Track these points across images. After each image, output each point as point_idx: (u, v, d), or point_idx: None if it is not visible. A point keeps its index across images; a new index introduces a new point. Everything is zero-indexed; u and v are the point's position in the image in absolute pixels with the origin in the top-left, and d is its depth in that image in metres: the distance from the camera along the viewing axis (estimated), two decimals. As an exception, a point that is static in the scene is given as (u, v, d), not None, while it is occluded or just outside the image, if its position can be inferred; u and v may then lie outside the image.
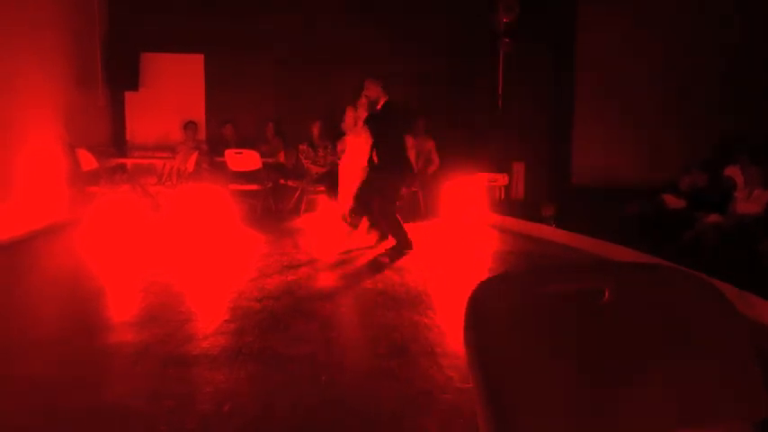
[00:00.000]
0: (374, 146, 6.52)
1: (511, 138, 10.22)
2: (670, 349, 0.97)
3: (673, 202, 6.92)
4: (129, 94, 10.25)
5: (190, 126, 9.70)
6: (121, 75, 9.78)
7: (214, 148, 9.69)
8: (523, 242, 7.57)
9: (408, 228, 6.71)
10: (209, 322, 4.15)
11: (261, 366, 3.38)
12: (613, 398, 0.92)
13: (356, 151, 6.96)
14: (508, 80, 10.20)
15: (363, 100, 6.59)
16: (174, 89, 10.38)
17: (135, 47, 9.87)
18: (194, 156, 8.95)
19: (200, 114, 10.34)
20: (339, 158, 9.52)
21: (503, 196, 9.99)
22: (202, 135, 10.16)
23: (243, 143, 9.48)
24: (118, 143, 10.13)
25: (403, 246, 6.52)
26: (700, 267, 4.06)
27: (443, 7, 10.27)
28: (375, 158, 6.50)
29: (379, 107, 6.48)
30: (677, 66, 9.20)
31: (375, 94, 6.47)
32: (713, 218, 6.19)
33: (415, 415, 2.80)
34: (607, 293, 0.97)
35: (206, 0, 10.05)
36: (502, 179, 9.91)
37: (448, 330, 4.03)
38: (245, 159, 8.83)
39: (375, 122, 6.49)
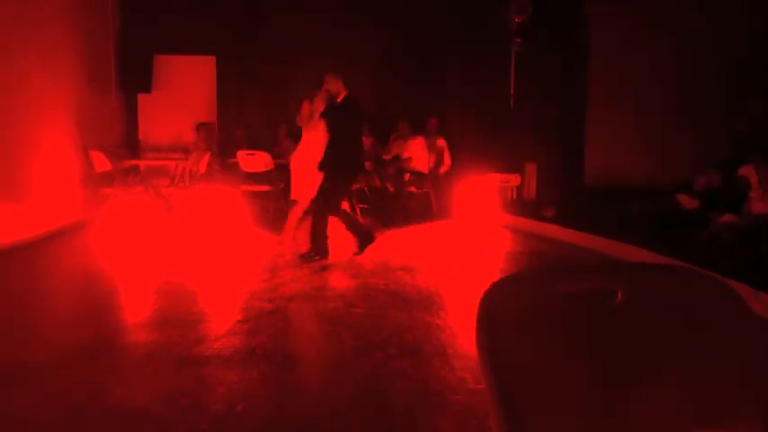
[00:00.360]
0: (329, 139, 6.34)
1: (523, 138, 10.19)
2: (685, 350, 0.96)
3: (687, 202, 6.87)
4: (141, 96, 10.33)
5: (202, 127, 9.75)
6: (134, 77, 9.86)
7: (226, 149, 9.73)
8: (535, 243, 7.54)
9: (420, 228, 6.69)
10: (221, 323, 4.16)
11: (273, 367, 3.39)
12: (627, 399, 0.91)
13: (310, 146, 6.64)
14: (520, 80, 10.17)
15: (323, 93, 6.39)
16: (186, 91, 10.44)
17: (148, 49, 9.94)
18: (206, 157, 8.99)
19: (212, 116, 10.40)
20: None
21: (515, 196, 9.96)
22: (215, 136, 10.21)
23: (255, 144, 9.51)
24: (131, 145, 10.20)
25: (317, 252, 6.18)
26: (714, 267, 4.02)
27: (456, 7, 10.25)
28: (329, 152, 6.30)
29: (338, 101, 6.31)
30: (690, 64, 9.13)
31: (336, 88, 6.30)
32: (728, 218, 6.14)
33: (428, 416, 2.80)
34: (620, 294, 0.96)
35: (218, 2, 10.10)
36: (514, 179, 9.88)
37: (460, 331, 4.02)
38: (256, 160, 8.86)
39: (334, 114, 6.32)
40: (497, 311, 0.94)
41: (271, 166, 8.94)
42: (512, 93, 10.24)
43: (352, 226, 6.53)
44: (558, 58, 9.78)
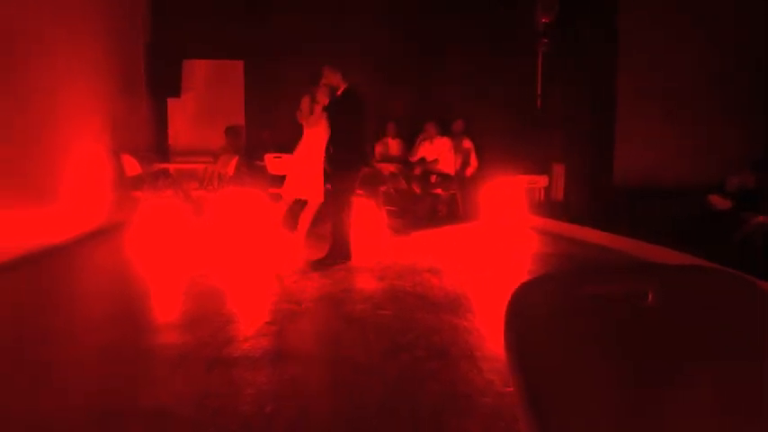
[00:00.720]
0: (332, 134, 6.22)
1: (551, 138, 10.11)
2: (716, 352, 0.95)
3: (719, 203, 6.76)
4: (171, 101, 10.46)
5: (230, 131, 9.85)
6: (164, 82, 10.00)
7: (254, 152, 9.81)
8: (564, 244, 7.48)
9: (447, 230, 6.65)
10: (250, 324, 4.20)
11: (301, 368, 3.41)
12: (657, 401, 0.90)
13: (312, 142, 6.54)
14: (547, 80, 10.09)
15: (323, 87, 6.21)
16: (215, 95, 10.56)
17: (177, 54, 10.07)
18: (234, 160, 9.08)
19: (240, 119, 10.50)
20: (377, 161, 9.56)
21: (542, 198, 9.89)
22: (243, 140, 10.31)
23: (282, 147, 9.57)
24: (161, 148, 10.34)
25: (341, 254, 6.09)
26: (747, 269, 3.95)
27: (482, 8, 10.22)
28: (331, 148, 6.17)
29: (338, 94, 6.14)
30: (725, 62, 8.96)
31: (335, 81, 6.11)
32: (761, 219, 6.03)
33: (455, 418, 2.79)
34: (650, 296, 0.96)
35: (245, 8, 10.20)
36: (542, 181, 9.81)
37: (488, 333, 4.00)
38: (284, 163, 8.91)
39: (335, 108, 6.17)
40: (526, 313, 0.94)
41: (298, 169, 8.98)
42: (539, 93, 10.17)
43: (340, 240, 6.15)
44: (587, 56, 9.68)
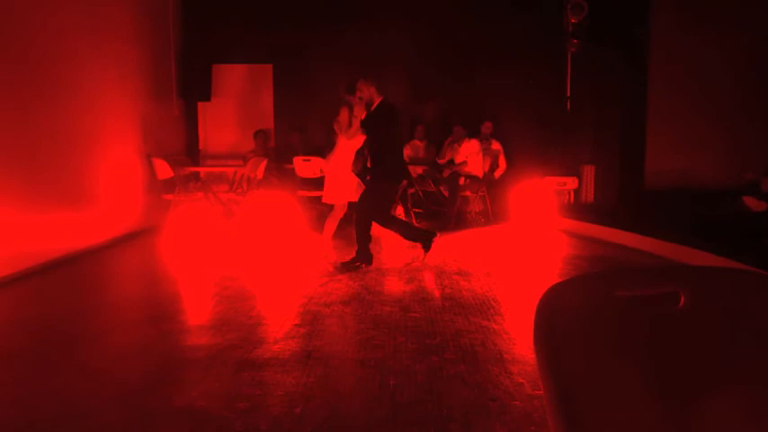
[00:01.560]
0: (370, 148, 6.28)
1: (580, 140, 10.02)
2: (752, 356, 0.93)
3: (753, 204, 6.64)
4: (201, 105, 10.60)
5: (259, 134, 9.95)
6: (194, 86, 10.13)
7: (282, 155, 9.89)
8: (594, 246, 7.40)
9: (476, 233, 6.63)
10: (279, 326, 4.23)
11: (330, 370, 3.42)
12: (689, 406, 0.89)
13: (348, 152, 6.60)
14: (577, 81, 10.01)
15: (359, 101, 6.26)
16: (244, 99, 10.67)
17: (207, 59, 10.20)
18: (264, 163, 9.16)
19: (269, 123, 10.59)
20: (406, 163, 9.56)
21: (572, 200, 9.80)
22: (272, 143, 10.41)
23: (310, 150, 9.64)
24: (191, 152, 10.48)
25: (361, 259, 6.17)
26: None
27: (511, 10, 10.17)
28: (368, 162, 6.25)
29: (373, 108, 6.20)
30: (758, 61, 8.79)
31: (368, 95, 6.17)
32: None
33: (485, 421, 2.78)
34: (683, 298, 0.94)
35: (273, 12, 10.29)
36: (571, 183, 9.72)
37: (517, 336, 3.98)
38: (312, 166, 8.97)
39: (369, 122, 6.23)
40: (555, 316, 0.94)
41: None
42: (568, 94, 10.09)
43: (408, 232, 6.44)
44: (617, 57, 9.58)
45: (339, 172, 6.59)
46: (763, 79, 8.81)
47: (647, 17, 9.33)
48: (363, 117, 6.30)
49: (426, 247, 6.28)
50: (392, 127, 6.18)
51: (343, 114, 6.58)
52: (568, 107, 10.12)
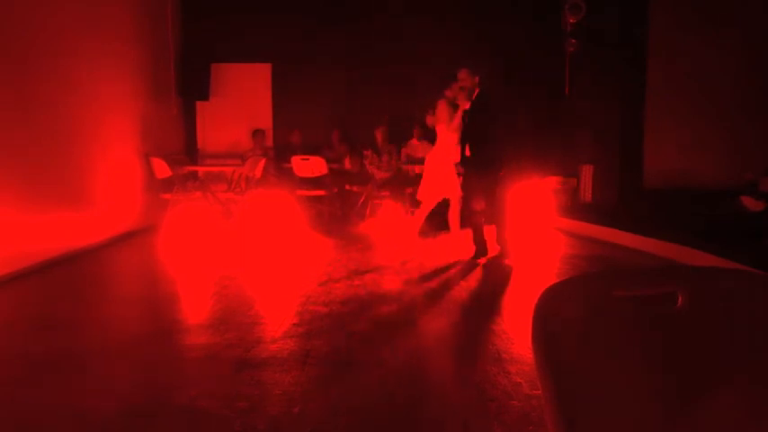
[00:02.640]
0: (470, 139, 6.25)
1: (579, 140, 10.02)
2: (751, 356, 0.93)
3: (752, 204, 6.64)
4: (200, 104, 10.59)
5: (258, 134, 9.94)
6: (193, 85, 10.13)
7: (281, 154, 9.88)
8: (592, 246, 7.40)
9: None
10: (277, 326, 4.23)
11: (329, 370, 3.42)
12: (688, 406, 0.89)
13: (449, 145, 6.62)
14: (576, 81, 10.01)
15: (461, 91, 6.23)
16: (242, 98, 10.66)
17: (206, 58, 10.19)
18: (262, 163, 9.15)
19: (267, 122, 10.59)
20: (404, 163, 9.56)
21: (571, 199, 9.80)
22: (270, 142, 10.40)
23: (309, 149, 9.64)
24: (190, 151, 10.47)
25: (476, 253, 6.43)
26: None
27: (510, 9, 10.17)
28: (468, 153, 6.24)
29: (473, 97, 6.20)
30: (757, 61, 8.79)
31: (471, 84, 6.16)
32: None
33: (483, 421, 2.78)
34: (680, 299, 0.94)
35: (272, 12, 10.28)
36: (570, 182, 9.72)
37: (515, 336, 3.98)
38: (311, 165, 8.97)
39: (473, 114, 6.20)
40: (553, 316, 0.93)
41: (325, 171, 9.04)
42: (567, 94, 10.08)
43: (478, 236, 6.50)
44: (615, 57, 9.58)
45: (441, 166, 6.61)
46: (762, 79, 8.80)
47: (646, 17, 9.32)
48: (466, 108, 6.24)
49: (475, 257, 6.46)
50: (492, 116, 6.17)
51: (442, 109, 6.55)
52: (567, 107, 10.12)
